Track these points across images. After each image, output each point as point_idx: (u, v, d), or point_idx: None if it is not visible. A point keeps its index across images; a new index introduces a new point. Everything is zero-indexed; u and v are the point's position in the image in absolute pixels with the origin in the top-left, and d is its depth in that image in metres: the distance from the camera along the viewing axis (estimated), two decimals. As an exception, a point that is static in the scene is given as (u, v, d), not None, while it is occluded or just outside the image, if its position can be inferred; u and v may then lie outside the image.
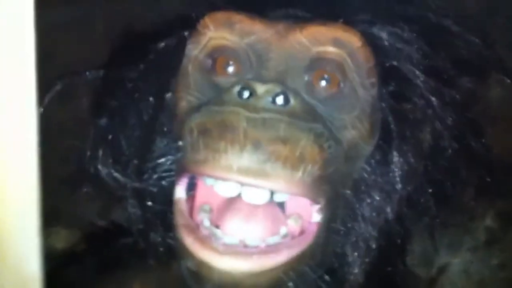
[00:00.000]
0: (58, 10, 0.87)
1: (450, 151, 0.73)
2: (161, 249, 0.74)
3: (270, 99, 0.64)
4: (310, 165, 0.63)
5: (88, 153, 0.75)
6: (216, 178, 0.65)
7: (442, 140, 0.73)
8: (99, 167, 0.73)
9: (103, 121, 0.76)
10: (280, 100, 0.65)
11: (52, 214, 0.84)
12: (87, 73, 0.79)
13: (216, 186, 0.67)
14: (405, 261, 0.76)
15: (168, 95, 0.74)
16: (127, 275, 0.80)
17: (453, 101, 0.74)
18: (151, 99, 0.75)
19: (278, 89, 0.65)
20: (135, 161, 0.73)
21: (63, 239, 0.87)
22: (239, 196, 0.67)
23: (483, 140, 0.76)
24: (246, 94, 0.65)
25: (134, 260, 0.78)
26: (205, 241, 0.64)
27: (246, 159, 0.62)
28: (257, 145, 0.62)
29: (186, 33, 0.72)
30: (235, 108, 0.64)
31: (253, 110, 0.63)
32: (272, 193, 0.66)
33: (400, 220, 0.72)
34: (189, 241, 0.64)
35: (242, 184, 0.65)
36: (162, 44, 0.75)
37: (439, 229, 0.77)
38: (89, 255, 0.84)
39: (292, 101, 0.65)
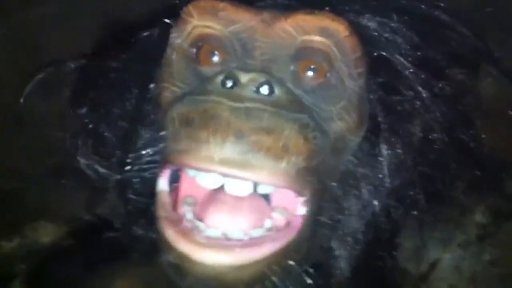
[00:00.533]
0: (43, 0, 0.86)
1: (440, 144, 0.72)
2: (144, 242, 0.73)
3: (254, 88, 0.63)
4: (294, 156, 0.62)
5: (69, 145, 0.74)
6: (198, 169, 0.64)
7: (431, 133, 0.72)
8: (79, 158, 0.72)
9: (85, 111, 0.75)
10: (264, 89, 0.63)
11: (38, 207, 0.84)
12: (70, 63, 0.78)
13: (199, 178, 0.66)
14: (393, 256, 0.75)
15: (152, 85, 0.72)
16: (111, 269, 0.79)
17: (443, 93, 0.72)
18: (134, 89, 0.74)
19: (262, 78, 0.64)
20: (118, 153, 0.72)
21: (49, 233, 0.86)
22: (222, 188, 0.66)
23: (474, 133, 0.75)
24: (229, 83, 0.63)
25: (119, 254, 0.77)
26: (187, 233, 0.62)
27: (228, 149, 0.61)
28: (239, 135, 0.61)
29: (170, 22, 0.71)
30: (218, 97, 0.62)
31: (236, 100, 0.62)
32: (256, 185, 0.65)
33: (388, 214, 0.71)
34: (170, 234, 0.63)
35: (225, 176, 0.63)
36: (146, 33, 0.74)
37: (428, 224, 0.76)
38: (73, 248, 0.84)
39: (277, 91, 0.64)
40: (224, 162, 0.61)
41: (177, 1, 0.71)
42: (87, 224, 0.84)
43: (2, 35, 0.87)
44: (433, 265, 0.76)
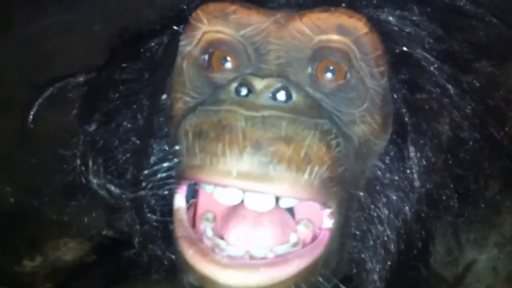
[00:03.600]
0: (53, 11, 0.84)
1: (471, 142, 0.68)
2: (163, 263, 0.70)
3: (270, 95, 0.60)
4: (317, 166, 0.58)
5: (80, 164, 0.71)
6: (215, 184, 0.61)
7: (461, 131, 0.68)
8: (91, 178, 0.69)
9: (95, 127, 0.72)
10: (281, 95, 0.60)
11: (59, 225, 0.82)
12: (78, 77, 0.76)
13: (216, 193, 0.62)
14: (428, 264, 0.72)
15: (164, 96, 0.69)
16: (133, 285, 0.77)
17: (472, 88, 0.69)
18: (145, 101, 0.71)
19: (278, 83, 0.60)
20: (131, 170, 0.69)
21: (71, 251, 0.86)
22: (242, 202, 0.62)
23: (507, 129, 0.71)
24: (244, 91, 0.60)
25: (140, 270, 0.75)
26: (207, 253, 0.59)
27: (246, 162, 0.57)
28: (257, 147, 0.57)
29: (178, 28, 0.68)
30: (232, 106, 0.59)
31: (252, 108, 0.58)
32: (277, 198, 0.61)
33: (420, 220, 0.68)
34: (190, 255, 0.59)
35: (244, 190, 0.60)
36: (154, 42, 0.72)
37: (463, 227, 0.73)
38: (95, 265, 0.83)
39: (295, 96, 0.60)
40: (243, 176, 0.57)
41: (185, 6, 0.68)
42: (109, 240, 0.82)
43: (11, 47, 0.86)
44: (469, 267, 0.74)
